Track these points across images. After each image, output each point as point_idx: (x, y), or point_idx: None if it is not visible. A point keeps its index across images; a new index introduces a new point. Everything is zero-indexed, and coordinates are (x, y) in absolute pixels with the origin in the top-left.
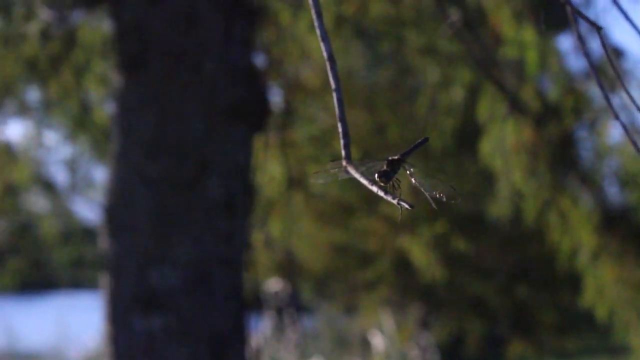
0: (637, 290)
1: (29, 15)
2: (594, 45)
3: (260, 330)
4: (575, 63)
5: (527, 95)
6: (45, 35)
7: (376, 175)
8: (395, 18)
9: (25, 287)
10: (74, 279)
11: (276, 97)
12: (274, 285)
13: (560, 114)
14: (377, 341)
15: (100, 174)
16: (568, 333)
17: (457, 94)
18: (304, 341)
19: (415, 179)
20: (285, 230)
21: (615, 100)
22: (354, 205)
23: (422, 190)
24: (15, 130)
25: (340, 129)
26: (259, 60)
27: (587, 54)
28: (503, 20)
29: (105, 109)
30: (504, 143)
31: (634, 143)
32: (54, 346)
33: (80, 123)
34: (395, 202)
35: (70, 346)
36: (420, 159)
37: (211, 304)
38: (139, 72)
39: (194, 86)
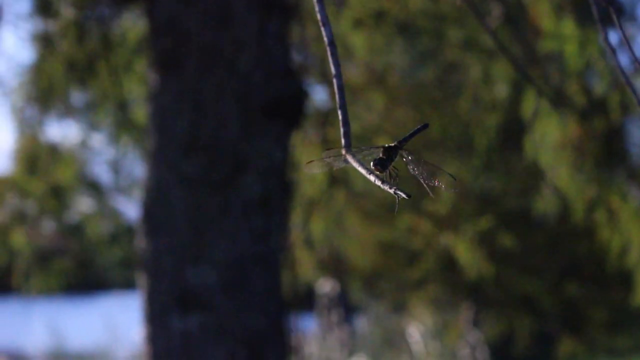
0: None
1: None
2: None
3: (309, 329)
4: (623, 58)
5: (572, 90)
6: (81, 34)
7: (372, 163)
8: (436, 13)
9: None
10: (123, 279)
11: (318, 95)
12: (322, 284)
13: (606, 108)
14: (425, 340)
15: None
16: (619, 330)
17: (501, 89)
18: (353, 340)
19: (412, 167)
20: (327, 229)
21: None
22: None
23: (419, 178)
24: (60, 131)
25: (340, 117)
26: (298, 57)
27: (630, 48)
28: (543, 14)
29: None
30: (549, 139)
31: None
32: (102, 347)
33: (121, 123)
34: (392, 191)
35: (118, 346)
36: (465, 155)
37: (248, 302)
38: (174, 70)
39: (229, 83)
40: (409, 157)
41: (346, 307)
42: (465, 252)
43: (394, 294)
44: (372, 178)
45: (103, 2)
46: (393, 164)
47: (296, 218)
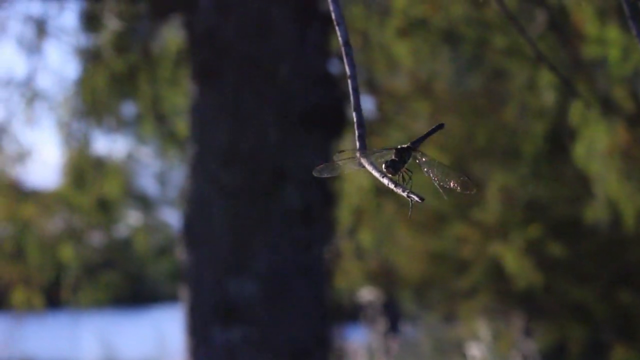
0: None
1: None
2: None
3: (357, 339)
4: None
5: (619, 96)
6: (122, 48)
7: (383, 165)
8: (479, 20)
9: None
10: (173, 292)
11: (364, 105)
12: (368, 294)
13: None
14: (477, 349)
15: None
16: None
17: (548, 96)
18: (403, 350)
19: (426, 169)
20: (376, 239)
21: None
22: (446, 211)
23: (433, 180)
24: (107, 145)
25: (355, 119)
26: (340, 66)
27: None
28: (586, 19)
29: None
30: (598, 146)
31: None
32: (152, 359)
33: (166, 135)
34: (405, 194)
35: (168, 359)
36: (512, 163)
37: (291, 313)
38: (213, 81)
39: (268, 93)
40: (423, 159)
41: (396, 317)
42: (514, 261)
43: (444, 303)
44: (385, 181)
45: (143, 15)
46: (406, 165)
47: (344, 228)
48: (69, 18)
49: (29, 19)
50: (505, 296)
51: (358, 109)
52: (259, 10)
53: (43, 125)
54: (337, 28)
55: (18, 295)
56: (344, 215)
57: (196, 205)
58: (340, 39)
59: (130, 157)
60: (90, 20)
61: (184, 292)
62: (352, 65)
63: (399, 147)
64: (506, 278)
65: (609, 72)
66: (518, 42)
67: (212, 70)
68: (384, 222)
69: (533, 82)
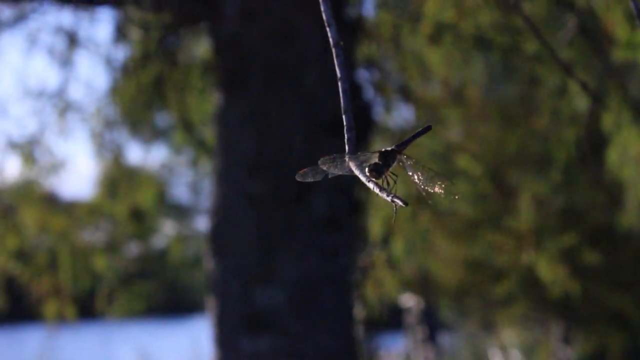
0: None
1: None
2: None
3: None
4: None
5: None
6: (148, 57)
7: (367, 169)
8: (508, 26)
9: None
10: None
11: (395, 113)
12: (406, 302)
13: None
14: (515, 358)
15: None
16: None
17: (579, 103)
18: (440, 358)
19: (411, 172)
20: (410, 248)
21: None
22: (479, 219)
23: (417, 184)
24: (140, 155)
25: (344, 122)
26: (371, 74)
27: None
28: (616, 23)
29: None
30: (631, 152)
31: None
32: None
33: (198, 144)
34: (389, 199)
35: None
36: (544, 170)
37: (319, 322)
38: (238, 89)
39: (294, 101)
40: (408, 162)
41: (433, 325)
42: (548, 269)
43: (481, 311)
44: (370, 185)
45: (169, 24)
46: (391, 169)
47: (375, 237)
48: (100, 29)
49: (59, 30)
50: (542, 304)
51: (348, 111)
52: (283, 18)
53: (76, 136)
54: (327, 29)
55: (51, 307)
56: (375, 224)
57: (223, 214)
58: (331, 40)
59: (164, 166)
60: (121, 31)
61: (211, 301)
62: (343, 67)
63: (382, 150)
64: (541, 286)
65: None
66: (548, 48)
67: (237, 78)
68: (418, 230)
69: (564, 89)
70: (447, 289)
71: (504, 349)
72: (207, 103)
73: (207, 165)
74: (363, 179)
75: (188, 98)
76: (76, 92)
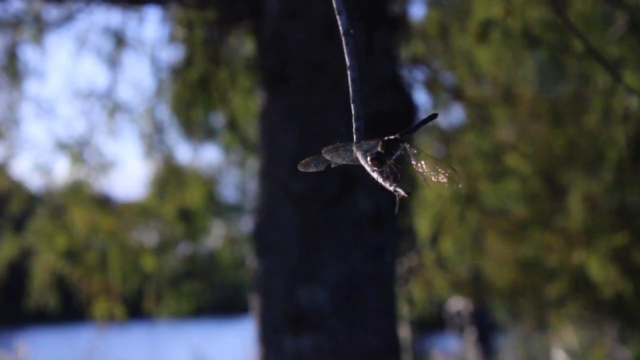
0: None
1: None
2: None
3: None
4: None
5: None
6: (191, 56)
7: (368, 158)
8: (557, 23)
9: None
10: None
11: (442, 111)
12: (456, 303)
13: None
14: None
15: None
16: None
17: (630, 100)
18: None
19: (414, 161)
20: (460, 248)
21: None
22: (530, 219)
23: (419, 173)
24: (189, 155)
25: (352, 111)
26: (420, 72)
27: None
28: None
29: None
30: None
31: None
32: None
33: (245, 143)
34: (391, 188)
35: None
36: (595, 168)
37: (362, 322)
38: (281, 87)
39: (336, 98)
40: (412, 151)
41: (485, 326)
42: (599, 269)
43: (534, 312)
44: (374, 175)
45: (212, 23)
46: (394, 157)
47: (424, 237)
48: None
49: (107, 30)
50: (595, 304)
51: (356, 100)
52: (325, 15)
53: (125, 136)
54: (337, 17)
55: (100, 307)
56: (424, 224)
57: (266, 213)
58: (340, 28)
59: (212, 166)
60: (167, 30)
61: (254, 300)
62: (352, 56)
63: (385, 138)
64: (594, 286)
65: None
66: (599, 45)
67: (279, 76)
68: (467, 230)
69: (615, 86)
70: (500, 289)
71: (560, 349)
72: (252, 102)
73: (253, 165)
74: (367, 167)
75: (234, 97)
76: (125, 93)
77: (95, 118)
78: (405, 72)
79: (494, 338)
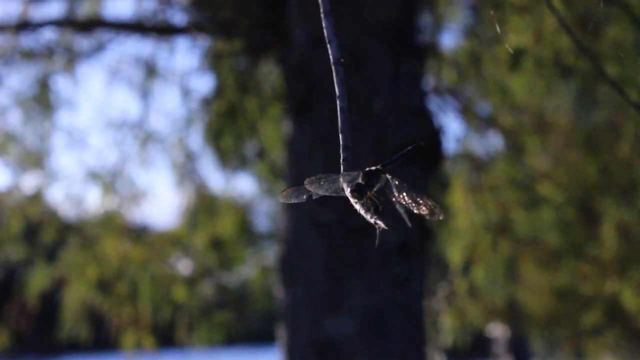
0: None
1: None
2: None
3: None
4: None
5: None
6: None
7: (348, 190)
8: (590, 50)
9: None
10: None
11: (475, 139)
12: (492, 332)
13: None
14: None
15: None
16: None
17: None
18: None
19: (396, 193)
20: (491, 277)
21: None
22: (564, 248)
23: (398, 205)
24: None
25: (341, 141)
26: (451, 101)
27: None
28: None
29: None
30: None
31: None
32: None
33: (274, 172)
34: (372, 220)
35: None
36: (628, 197)
37: (390, 352)
38: (307, 115)
39: (362, 127)
40: (393, 182)
41: (522, 355)
42: (633, 298)
43: (571, 341)
44: (357, 206)
45: (240, 51)
46: (375, 189)
47: (457, 266)
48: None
49: (138, 60)
50: (631, 333)
51: (345, 130)
52: (353, 44)
53: (157, 166)
54: (328, 46)
55: (130, 337)
56: (455, 253)
57: (292, 242)
58: (331, 57)
59: (245, 196)
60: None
61: (281, 330)
62: (342, 85)
63: (366, 170)
64: (628, 315)
65: None
66: (630, 72)
67: (306, 104)
68: (499, 258)
69: None
70: (536, 318)
71: None
72: (281, 131)
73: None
74: (352, 201)
75: (263, 126)
76: (156, 122)
77: (127, 148)
78: (434, 101)
79: None
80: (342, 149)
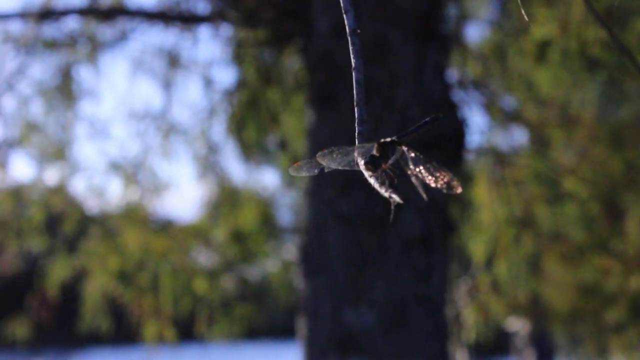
0: None
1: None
2: None
3: None
4: None
5: None
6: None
7: (362, 162)
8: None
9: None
10: None
11: (498, 133)
12: (513, 326)
13: None
14: None
15: None
16: None
17: None
18: None
19: (412, 166)
20: (514, 272)
21: None
22: (588, 243)
23: (414, 179)
24: (243, 176)
25: (356, 114)
26: (476, 93)
27: None
28: None
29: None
30: None
31: None
32: None
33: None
34: (386, 194)
35: None
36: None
37: (410, 344)
38: (330, 106)
39: (386, 118)
40: (410, 155)
41: (544, 350)
42: None
43: (595, 337)
44: (371, 180)
45: (263, 41)
46: (391, 162)
47: (480, 260)
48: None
49: (161, 51)
50: None
51: (361, 103)
52: (376, 34)
53: (179, 158)
54: (344, 16)
55: (151, 329)
56: (478, 247)
57: (313, 234)
58: (347, 27)
59: (268, 188)
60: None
61: (301, 322)
62: (358, 57)
63: (381, 141)
64: None
65: None
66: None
67: (328, 94)
68: (522, 253)
69: None
70: (559, 313)
71: None
72: (304, 122)
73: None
74: (366, 174)
75: (285, 117)
76: (179, 114)
77: (150, 139)
78: (458, 94)
79: None
80: (358, 122)
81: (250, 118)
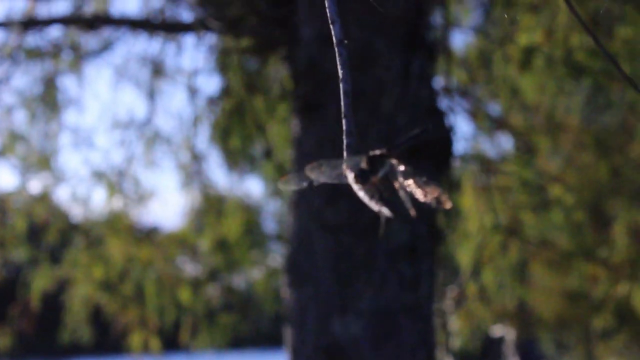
0: None
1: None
2: None
3: None
4: None
5: None
6: (227, 84)
7: (351, 176)
8: (598, 50)
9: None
10: None
11: (486, 139)
12: (498, 332)
13: None
14: None
15: None
16: None
17: None
18: None
19: (400, 179)
20: (501, 279)
21: None
22: (574, 250)
23: (403, 193)
24: (227, 185)
25: (344, 127)
26: (460, 100)
27: None
28: None
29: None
30: None
31: None
32: None
33: (279, 172)
34: (376, 208)
35: None
36: (635, 200)
37: (398, 353)
38: (315, 114)
39: (372, 126)
40: (399, 168)
41: (533, 357)
42: None
43: (582, 344)
44: (360, 194)
45: (247, 50)
46: (380, 175)
47: (466, 268)
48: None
49: (145, 59)
50: None
51: (349, 115)
52: (362, 42)
53: (163, 167)
54: (331, 27)
55: (136, 339)
56: (465, 255)
57: (299, 243)
58: (334, 38)
59: (253, 197)
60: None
61: (287, 332)
62: (345, 67)
63: (370, 154)
64: (639, 319)
65: None
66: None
67: (314, 103)
68: (509, 261)
69: None
70: (546, 321)
71: None
72: (289, 131)
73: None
74: (355, 188)
75: (271, 126)
76: (163, 122)
77: (133, 148)
78: (444, 100)
79: None
80: (346, 134)
81: (235, 126)
